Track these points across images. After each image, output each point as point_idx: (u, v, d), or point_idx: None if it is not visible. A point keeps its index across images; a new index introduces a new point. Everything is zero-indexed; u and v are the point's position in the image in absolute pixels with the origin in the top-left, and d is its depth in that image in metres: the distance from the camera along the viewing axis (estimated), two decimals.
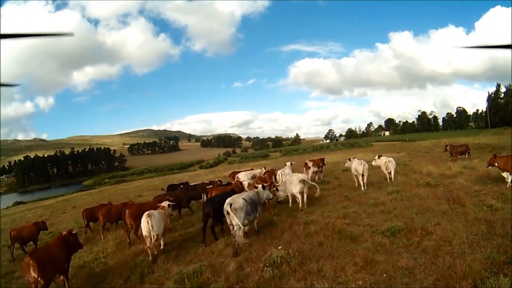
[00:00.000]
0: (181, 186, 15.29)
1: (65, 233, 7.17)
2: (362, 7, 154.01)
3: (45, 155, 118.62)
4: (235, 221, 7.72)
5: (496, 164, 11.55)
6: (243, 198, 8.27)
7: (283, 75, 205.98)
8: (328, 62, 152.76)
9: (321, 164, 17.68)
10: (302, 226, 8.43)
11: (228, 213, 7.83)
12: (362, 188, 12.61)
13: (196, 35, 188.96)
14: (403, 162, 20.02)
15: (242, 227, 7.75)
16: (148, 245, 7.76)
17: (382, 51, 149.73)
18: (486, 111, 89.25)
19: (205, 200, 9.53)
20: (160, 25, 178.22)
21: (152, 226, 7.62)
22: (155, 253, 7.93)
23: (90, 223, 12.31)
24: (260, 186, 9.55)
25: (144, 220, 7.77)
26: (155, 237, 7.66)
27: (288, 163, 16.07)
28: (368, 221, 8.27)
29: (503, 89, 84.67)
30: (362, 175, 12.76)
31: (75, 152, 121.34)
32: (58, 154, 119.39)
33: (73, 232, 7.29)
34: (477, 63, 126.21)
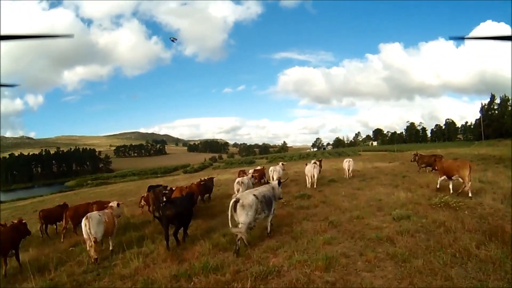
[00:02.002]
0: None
1: (16, 221, 8.76)
2: (354, 17, 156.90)
3: (31, 154, 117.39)
4: (241, 218, 7.34)
5: (436, 168, 13.17)
6: (254, 195, 7.73)
7: (273, 83, 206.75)
8: (317, 71, 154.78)
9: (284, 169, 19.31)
10: (249, 283, 5.31)
11: (235, 209, 7.41)
12: (308, 186, 15.18)
13: (188, 39, 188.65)
14: (400, 172, 18.38)
15: (248, 226, 7.39)
16: (87, 247, 7.86)
17: (372, 61, 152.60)
18: (479, 122, 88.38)
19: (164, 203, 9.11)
20: (153, 27, 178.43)
21: (89, 229, 7.69)
22: (96, 257, 7.70)
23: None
24: (276, 181, 9.29)
25: (82, 223, 7.84)
26: (93, 239, 7.68)
27: (281, 163, 19.15)
28: (370, 282, 5.00)
29: (497, 100, 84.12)
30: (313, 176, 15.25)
31: (60, 152, 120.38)
32: (43, 153, 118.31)
33: (23, 221, 8.81)
34: (466, 76, 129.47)
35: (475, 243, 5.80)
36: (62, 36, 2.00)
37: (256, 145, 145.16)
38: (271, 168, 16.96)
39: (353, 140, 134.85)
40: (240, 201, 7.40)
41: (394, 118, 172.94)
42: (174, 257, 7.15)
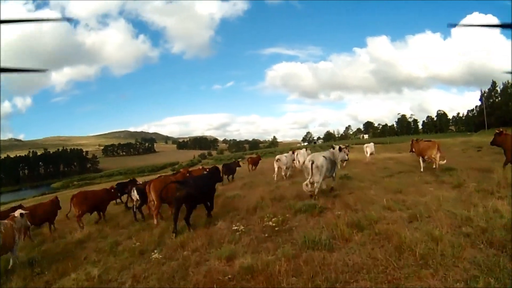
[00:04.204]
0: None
1: None
2: (341, 11, 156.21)
3: (18, 156, 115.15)
4: (316, 177, 8.88)
5: (413, 150, 13.43)
6: (323, 156, 9.23)
7: (262, 78, 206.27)
8: (305, 66, 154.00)
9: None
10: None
11: (311, 170, 8.87)
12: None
13: (175, 37, 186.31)
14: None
15: (320, 183, 8.98)
16: None
17: (360, 55, 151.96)
18: (479, 111, 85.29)
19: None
20: (139, 26, 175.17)
21: None
22: None
23: None
24: (337, 147, 10.54)
25: None
26: None
27: (304, 149, 20.08)
28: None
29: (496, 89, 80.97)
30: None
31: (48, 153, 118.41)
32: (30, 155, 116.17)
33: None
34: (454, 68, 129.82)
35: None
36: (58, 20, 2.08)
37: (246, 141, 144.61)
38: (277, 156, 16.96)
39: (343, 134, 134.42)
40: (315, 162, 8.87)
41: (383, 111, 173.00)
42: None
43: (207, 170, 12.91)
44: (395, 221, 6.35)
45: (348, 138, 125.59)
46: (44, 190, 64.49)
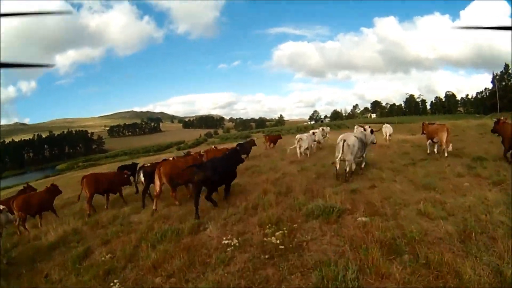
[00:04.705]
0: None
1: None
2: None
3: (22, 140, 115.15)
4: (347, 156, 8.99)
5: (424, 133, 13.43)
6: (354, 136, 9.39)
7: (268, 57, 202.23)
8: (312, 45, 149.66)
9: None
10: None
11: (342, 148, 8.99)
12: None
13: (180, 18, 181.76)
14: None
15: (353, 161, 9.14)
16: None
17: (367, 35, 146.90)
18: (491, 93, 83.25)
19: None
20: (144, 8, 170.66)
21: None
22: None
23: None
24: (369, 129, 10.69)
25: None
26: None
27: (321, 128, 20.51)
28: None
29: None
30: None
31: (53, 136, 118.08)
32: (35, 138, 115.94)
33: None
34: (462, 50, 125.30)
35: None
36: (60, 13, 2.02)
37: (252, 119, 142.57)
38: (298, 136, 16.50)
39: (351, 113, 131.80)
40: (346, 141, 8.96)
41: (390, 91, 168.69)
42: None
43: (227, 150, 13.09)
44: (441, 239, 4.64)
45: (356, 117, 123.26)
46: (49, 173, 63.61)
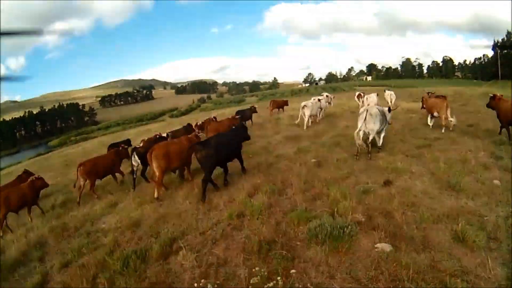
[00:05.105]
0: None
1: None
2: None
3: (13, 118, 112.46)
4: (370, 126, 8.90)
5: (424, 107, 13.29)
6: (377, 108, 9.30)
7: (261, 20, 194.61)
8: (305, 7, 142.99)
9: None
10: None
11: (364, 117, 8.88)
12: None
13: None
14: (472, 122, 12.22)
15: (374, 132, 8.99)
16: None
17: None
18: (492, 60, 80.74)
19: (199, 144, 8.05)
20: None
21: None
22: None
23: None
24: (386, 108, 10.14)
25: None
26: None
27: (325, 94, 20.01)
28: None
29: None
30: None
31: (44, 111, 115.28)
32: (26, 115, 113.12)
33: None
34: (460, 15, 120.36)
35: None
36: None
37: (246, 83, 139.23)
38: (303, 103, 15.64)
39: (346, 75, 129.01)
40: (369, 111, 8.94)
41: (386, 54, 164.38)
42: None
43: (229, 122, 13.18)
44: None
45: (351, 80, 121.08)
46: (42, 150, 62.05)
